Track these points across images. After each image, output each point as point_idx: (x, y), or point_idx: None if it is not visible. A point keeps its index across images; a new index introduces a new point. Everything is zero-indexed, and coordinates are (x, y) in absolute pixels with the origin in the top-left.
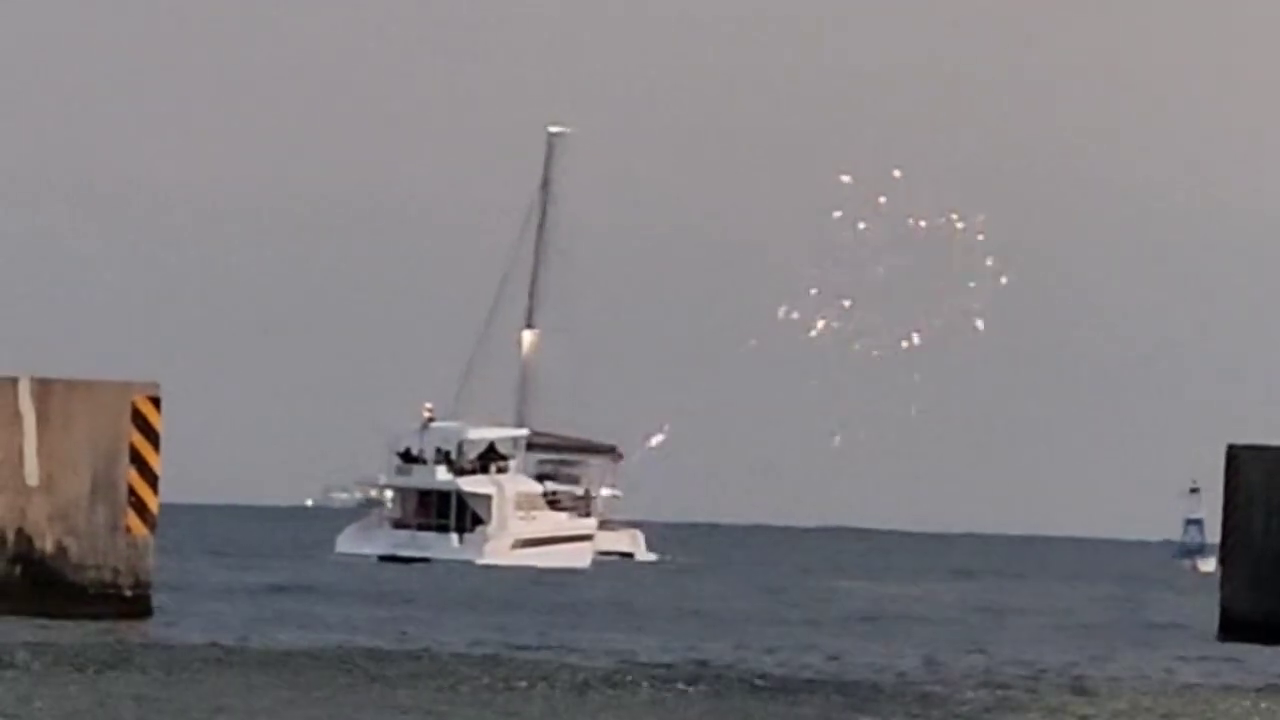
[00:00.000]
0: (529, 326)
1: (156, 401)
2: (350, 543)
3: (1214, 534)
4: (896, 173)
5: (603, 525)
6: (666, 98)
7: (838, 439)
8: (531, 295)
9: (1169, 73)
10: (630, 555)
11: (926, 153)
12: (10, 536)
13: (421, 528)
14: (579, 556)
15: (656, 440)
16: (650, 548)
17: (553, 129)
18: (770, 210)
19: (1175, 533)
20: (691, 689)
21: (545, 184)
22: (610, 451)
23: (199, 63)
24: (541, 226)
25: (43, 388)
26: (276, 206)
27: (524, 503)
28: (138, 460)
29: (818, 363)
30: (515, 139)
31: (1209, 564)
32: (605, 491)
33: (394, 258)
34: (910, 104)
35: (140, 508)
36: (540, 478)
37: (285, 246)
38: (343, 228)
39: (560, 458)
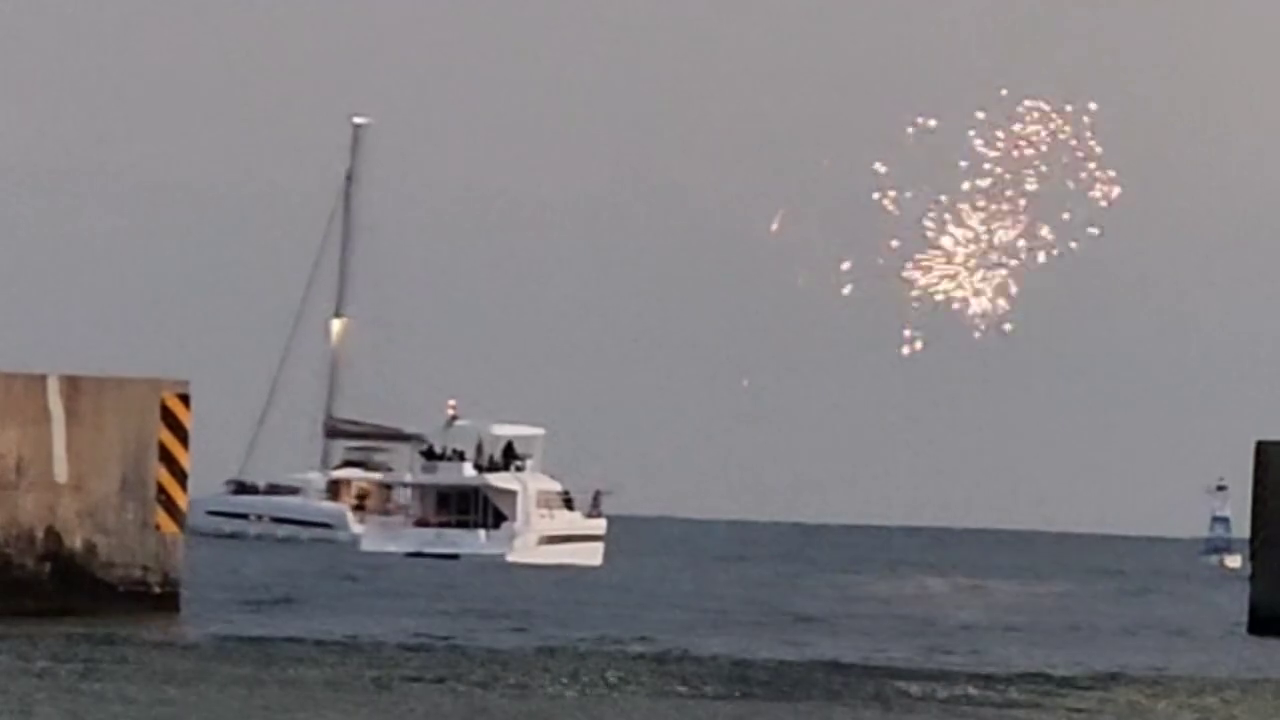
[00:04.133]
0: (338, 315)
1: (186, 399)
2: (374, 542)
3: (1240, 531)
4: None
5: None
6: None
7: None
8: (340, 284)
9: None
10: None
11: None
12: (40, 534)
13: (443, 525)
14: (594, 554)
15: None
16: None
17: (358, 120)
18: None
19: (1202, 530)
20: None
21: (350, 174)
22: (415, 439)
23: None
24: (348, 216)
25: (72, 385)
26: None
27: (544, 500)
28: (167, 458)
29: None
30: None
31: (1235, 560)
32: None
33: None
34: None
35: (170, 505)
36: (348, 464)
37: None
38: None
39: (367, 445)
